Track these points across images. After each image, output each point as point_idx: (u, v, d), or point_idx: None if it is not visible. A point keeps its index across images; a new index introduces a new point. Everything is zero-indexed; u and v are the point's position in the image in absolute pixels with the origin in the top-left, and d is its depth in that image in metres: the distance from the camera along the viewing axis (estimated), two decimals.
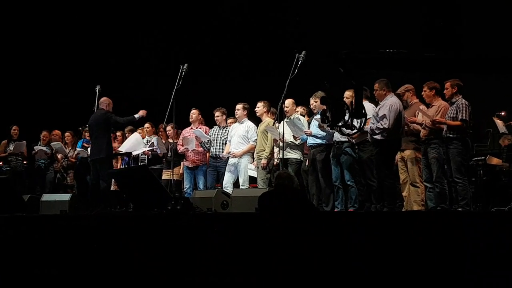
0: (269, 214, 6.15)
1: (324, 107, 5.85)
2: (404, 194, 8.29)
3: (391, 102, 7.93)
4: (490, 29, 10.80)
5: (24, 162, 11.81)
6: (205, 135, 10.06)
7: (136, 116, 9.82)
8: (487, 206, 8.25)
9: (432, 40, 11.21)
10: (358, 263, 5.19)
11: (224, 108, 10.28)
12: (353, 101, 5.62)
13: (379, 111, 7.97)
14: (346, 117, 5.57)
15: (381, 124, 7.81)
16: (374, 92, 8.21)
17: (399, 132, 7.90)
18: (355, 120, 5.60)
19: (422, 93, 8.27)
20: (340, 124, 5.63)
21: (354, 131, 5.85)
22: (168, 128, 10.31)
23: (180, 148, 10.22)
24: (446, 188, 7.88)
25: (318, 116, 8.96)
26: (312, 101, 9.03)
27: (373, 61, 5.80)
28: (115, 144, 10.78)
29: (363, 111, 5.58)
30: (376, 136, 7.93)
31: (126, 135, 11.32)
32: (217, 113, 10.23)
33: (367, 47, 5.83)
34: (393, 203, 7.89)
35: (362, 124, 5.71)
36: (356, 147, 8.41)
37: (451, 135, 7.81)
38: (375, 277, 5.09)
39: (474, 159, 8.91)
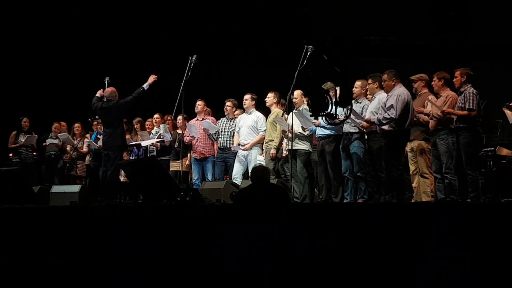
0: (247, 208, 6.14)
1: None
2: (414, 185, 8.27)
3: (398, 92, 7.90)
4: (499, 18, 10.74)
5: (34, 153, 11.84)
6: (214, 125, 10.04)
7: (145, 85, 9.53)
8: (496, 197, 8.22)
9: (441, 29, 11.16)
10: (367, 254, 5.18)
11: (235, 100, 10.25)
12: (338, 90, 5.57)
13: (387, 101, 7.94)
14: (330, 106, 5.54)
15: (388, 114, 7.79)
16: (382, 83, 8.20)
17: (406, 123, 7.87)
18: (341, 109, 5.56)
19: (432, 83, 8.24)
20: (323, 113, 5.60)
21: (337, 120, 5.81)
22: (179, 118, 10.28)
23: (187, 138, 10.21)
24: (456, 179, 7.84)
25: None
26: None
27: (360, 48, 5.75)
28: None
29: (348, 100, 5.54)
30: (384, 127, 7.90)
31: (135, 126, 11.32)
32: (228, 103, 10.21)
33: (376, 37, 5.80)
34: (401, 194, 7.86)
35: (348, 113, 5.67)
36: (366, 137, 8.40)
37: (460, 125, 7.76)
38: (384, 268, 5.09)
39: (483, 150, 8.87)
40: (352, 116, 8.45)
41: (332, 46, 5.45)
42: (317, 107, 5.59)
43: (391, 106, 7.80)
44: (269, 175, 7.30)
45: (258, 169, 7.11)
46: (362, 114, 8.51)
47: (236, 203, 6.55)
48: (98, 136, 11.27)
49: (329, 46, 5.46)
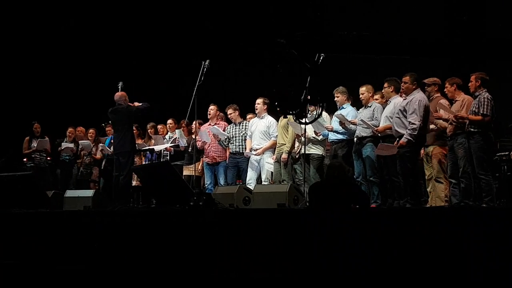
0: (320, 206, 6.06)
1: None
2: (428, 189, 8.22)
3: (419, 97, 7.79)
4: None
5: (48, 158, 11.90)
6: (223, 132, 10.03)
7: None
8: (511, 202, 8.16)
9: (455, 30, 11.07)
10: (381, 258, 5.17)
11: (235, 104, 10.21)
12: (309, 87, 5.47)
13: (407, 107, 7.83)
14: (298, 105, 5.42)
15: (413, 124, 7.68)
16: (402, 85, 8.09)
17: (426, 128, 7.81)
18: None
19: (445, 89, 8.20)
20: (291, 112, 5.50)
21: (307, 119, 5.71)
22: (194, 123, 10.30)
23: (199, 143, 10.23)
24: (471, 183, 7.79)
25: (338, 112, 8.94)
26: (335, 95, 9.05)
27: (333, 44, 5.64)
28: (139, 141, 10.81)
29: (319, 97, 5.45)
30: (401, 131, 7.82)
31: (148, 131, 11.34)
32: (229, 111, 10.16)
33: (350, 32, 5.68)
34: (415, 199, 7.76)
35: (320, 111, 5.57)
36: (381, 141, 8.34)
37: (472, 129, 7.72)
38: (396, 272, 5.07)
39: (497, 154, 8.81)
40: (361, 121, 8.46)
41: (303, 40, 5.34)
42: (285, 105, 5.49)
43: (414, 113, 7.71)
44: (345, 171, 7.18)
45: (333, 165, 7.04)
46: (374, 117, 8.47)
47: (311, 199, 6.44)
48: (112, 141, 11.31)
49: (300, 41, 5.35)
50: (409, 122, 7.73)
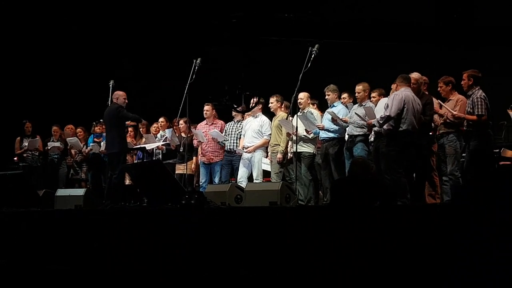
0: (343, 202, 6.03)
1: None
2: None
3: (397, 92, 7.76)
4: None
5: (40, 157, 11.88)
6: (222, 135, 10.04)
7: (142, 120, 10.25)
8: None
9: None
10: (372, 257, 5.17)
11: None
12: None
13: (388, 102, 7.87)
14: (233, 95, 5.36)
15: (383, 114, 7.70)
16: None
17: (405, 123, 7.63)
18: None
19: (438, 88, 8.19)
20: (224, 101, 5.45)
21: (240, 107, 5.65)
22: (181, 122, 10.32)
23: (195, 142, 10.24)
24: (460, 181, 7.81)
25: (330, 110, 8.96)
26: (326, 94, 9.07)
27: (270, 26, 5.54)
28: (128, 139, 10.79)
29: (254, 87, 5.41)
30: (384, 126, 7.80)
31: (140, 129, 11.33)
32: None
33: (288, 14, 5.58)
34: (404, 197, 7.68)
35: (255, 101, 5.48)
36: (372, 138, 8.34)
37: (470, 129, 7.74)
38: (388, 273, 5.08)
39: None
40: (355, 117, 8.47)
41: (239, 22, 5.22)
42: (218, 95, 5.46)
43: (388, 107, 7.70)
44: (369, 168, 7.16)
45: (357, 162, 7.01)
46: (365, 117, 8.49)
47: (334, 196, 6.42)
48: (95, 139, 11.30)
49: (235, 23, 5.25)
50: (382, 113, 7.74)
